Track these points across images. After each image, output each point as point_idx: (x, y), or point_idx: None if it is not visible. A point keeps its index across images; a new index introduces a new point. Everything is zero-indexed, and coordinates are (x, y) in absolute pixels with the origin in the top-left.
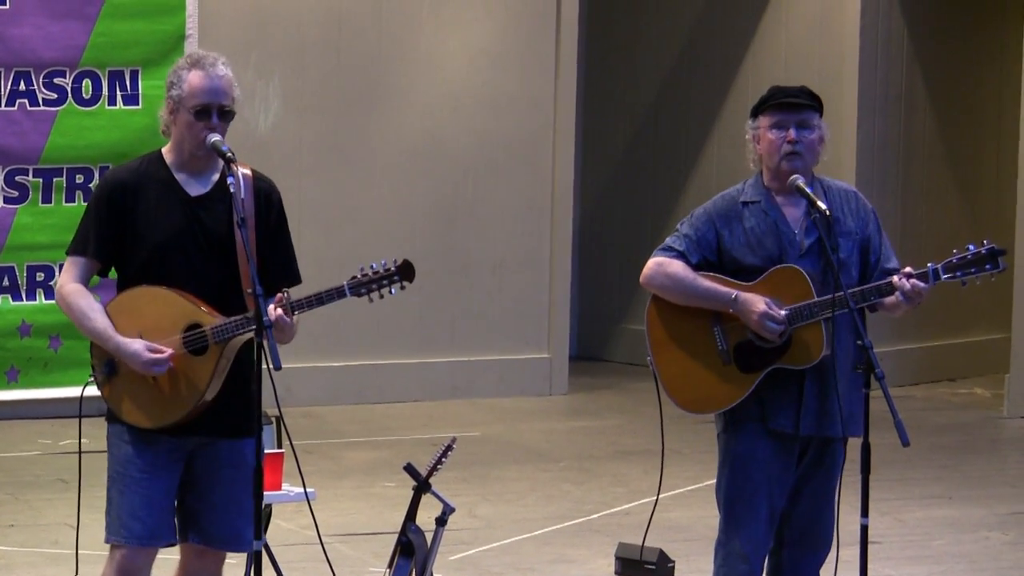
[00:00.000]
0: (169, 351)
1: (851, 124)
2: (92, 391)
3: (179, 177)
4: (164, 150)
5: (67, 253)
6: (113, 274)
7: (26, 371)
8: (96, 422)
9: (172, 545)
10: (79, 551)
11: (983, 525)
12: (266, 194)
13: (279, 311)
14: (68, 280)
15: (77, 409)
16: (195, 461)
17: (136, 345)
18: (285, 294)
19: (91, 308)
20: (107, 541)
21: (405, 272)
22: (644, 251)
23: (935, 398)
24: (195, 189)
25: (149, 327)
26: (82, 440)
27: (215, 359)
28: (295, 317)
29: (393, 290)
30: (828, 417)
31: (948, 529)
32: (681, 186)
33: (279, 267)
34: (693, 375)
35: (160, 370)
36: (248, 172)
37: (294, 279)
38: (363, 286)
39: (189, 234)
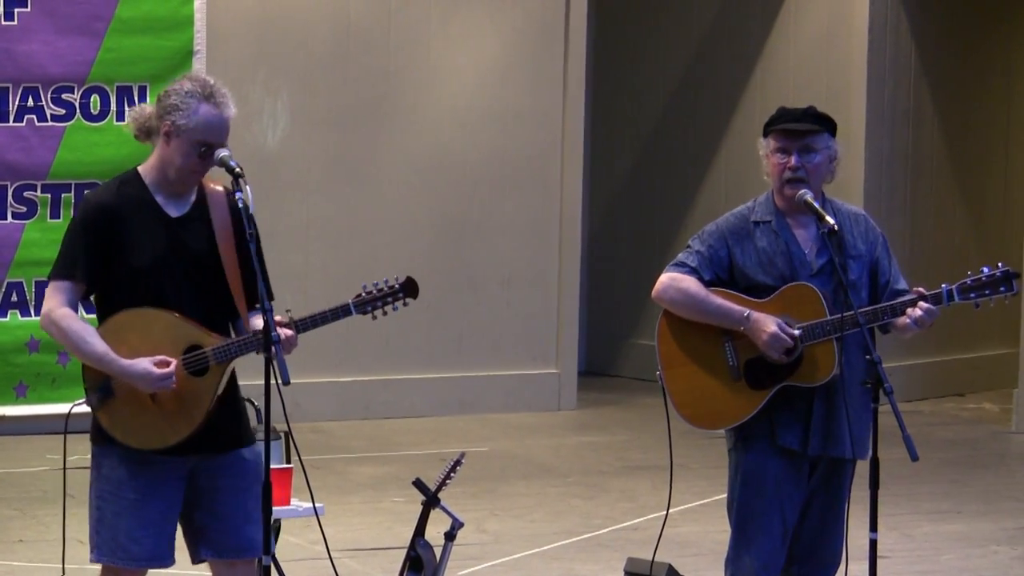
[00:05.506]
0: (174, 360)
1: (859, 140)
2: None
3: (158, 198)
4: (141, 169)
5: (51, 278)
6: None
7: (35, 387)
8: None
9: (168, 566)
10: (66, 565)
11: (992, 540)
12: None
13: (289, 332)
14: (57, 305)
15: (86, 425)
16: (196, 479)
17: (143, 364)
18: (288, 313)
19: (87, 331)
20: (98, 561)
21: (409, 289)
22: (652, 266)
23: (943, 413)
24: (174, 210)
25: (147, 350)
26: (75, 458)
27: (216, 380)
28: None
29: (397, 307)
30: (835, 437)
31: (957, 544)
32: (690, 202)
33: (250, 286)
34: (702, 390)
35: (169, 384)
36: (221, 189)
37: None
38: (368, 304)
39: (173, 256)
